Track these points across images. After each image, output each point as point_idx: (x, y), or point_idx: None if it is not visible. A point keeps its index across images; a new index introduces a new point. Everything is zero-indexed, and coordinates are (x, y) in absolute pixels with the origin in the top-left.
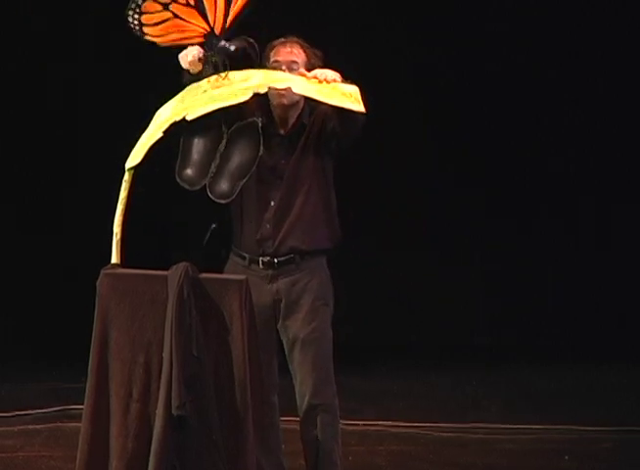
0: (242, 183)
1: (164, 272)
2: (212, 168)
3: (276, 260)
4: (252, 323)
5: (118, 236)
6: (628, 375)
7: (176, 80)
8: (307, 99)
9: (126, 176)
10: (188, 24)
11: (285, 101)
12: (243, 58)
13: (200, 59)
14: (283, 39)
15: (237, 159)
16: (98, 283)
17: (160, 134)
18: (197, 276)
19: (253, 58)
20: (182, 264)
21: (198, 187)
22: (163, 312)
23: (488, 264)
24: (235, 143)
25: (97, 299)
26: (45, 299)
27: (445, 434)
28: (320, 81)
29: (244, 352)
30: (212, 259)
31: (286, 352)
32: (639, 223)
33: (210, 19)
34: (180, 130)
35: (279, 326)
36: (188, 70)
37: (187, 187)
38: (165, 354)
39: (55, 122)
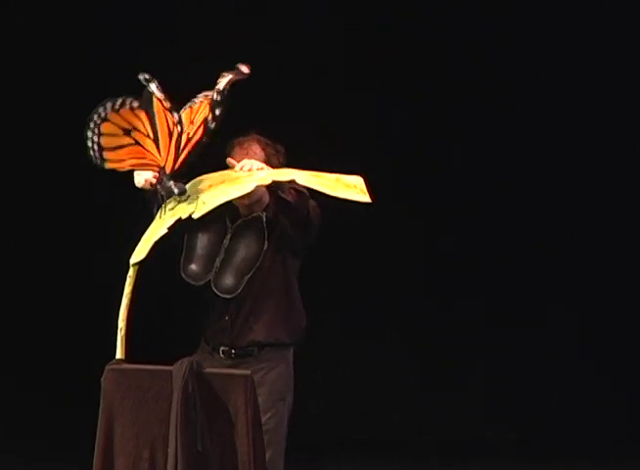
0: (247, 277)
1: (169, 367)
2: (217, 263)
3: (234, 352)
4: (258, 418)
5: (123, 331)
6: None
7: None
8: (272, 194)
9: (130, 272)
10: (147, 153)
11: (246, 201)
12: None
13: (152, 185)
14: (241, 138)
15: (242, 253)
16: (102, 379)
17: (165, 230)
18: (202, 371)
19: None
20: (187, 359)
21: (202, 282)
22: (168, 407)
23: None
24: (239, 237)
25: (102, 394)
26: (49, 393)
27: None
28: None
29: (249, 447)
30: None
31: None
32: None
33: (163, 156)
34: (184, 226)
35: None
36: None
37: (192, 282)
38: (170, 450)
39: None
